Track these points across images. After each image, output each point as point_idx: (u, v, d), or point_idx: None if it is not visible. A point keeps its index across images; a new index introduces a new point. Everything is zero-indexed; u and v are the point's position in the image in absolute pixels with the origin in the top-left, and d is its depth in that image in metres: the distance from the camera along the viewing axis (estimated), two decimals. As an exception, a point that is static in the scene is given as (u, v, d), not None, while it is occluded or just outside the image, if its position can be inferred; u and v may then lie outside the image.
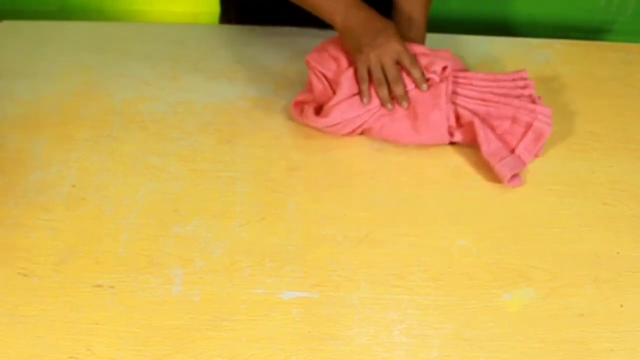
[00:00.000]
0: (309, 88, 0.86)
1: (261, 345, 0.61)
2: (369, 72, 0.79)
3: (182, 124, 0.85)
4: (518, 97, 0.83)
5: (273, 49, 0.99)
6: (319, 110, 0.82)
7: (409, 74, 0.80)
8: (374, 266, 0.68)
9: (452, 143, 0.82)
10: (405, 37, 0.83)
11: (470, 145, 0.81)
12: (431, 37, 0.99)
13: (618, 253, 0.70)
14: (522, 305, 0.65)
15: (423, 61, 0.81)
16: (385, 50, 0.78)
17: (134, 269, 0.67)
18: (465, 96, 0.82)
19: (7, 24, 1.05)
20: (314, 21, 0.99)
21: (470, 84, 0.83)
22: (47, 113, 0.86)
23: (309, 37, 0.99)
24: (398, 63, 0.79)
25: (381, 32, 0.78)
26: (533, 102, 0.82)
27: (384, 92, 0.78)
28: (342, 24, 0.80)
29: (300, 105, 0.85)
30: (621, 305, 0.65)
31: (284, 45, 1.00)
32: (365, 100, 0.79)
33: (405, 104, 0.79)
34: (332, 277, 0.67)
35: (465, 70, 0.87)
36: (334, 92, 0.81)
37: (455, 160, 0.81)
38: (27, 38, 1.01)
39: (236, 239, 0.70)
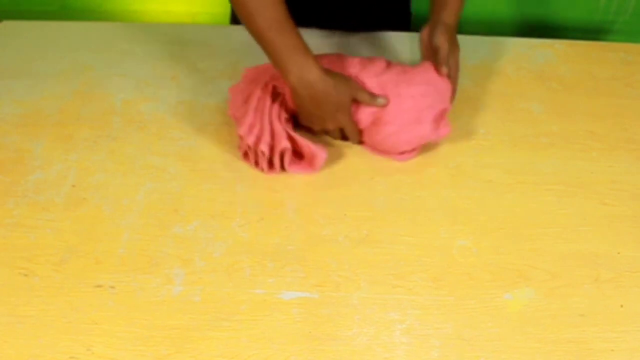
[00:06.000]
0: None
1: (261, 345, 0.61)
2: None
3: (182, 124, 0.85)
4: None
5: (273, 49, 0.98)
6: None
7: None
8: (374, 266, 0.68)
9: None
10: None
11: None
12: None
13: (618, 253, 0.70)
14: (522, 305, 0.65)
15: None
16: (333, 123, 0.79)
17: (134, 269, 0.67)
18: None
19: (7, 24, 1.05)
20: (316, 22, 0.99)
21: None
22: (47, 113, 0.86)
23: (310, 37, 0.99)
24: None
25: (333, 108, 0.77)
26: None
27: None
28: (296, 84, 0.75)
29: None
30: (621, 305, 0.65)
31: (284, 45, 1.00)
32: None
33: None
34: (332, 277, 0.67)
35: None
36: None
37: (455, 160, 0.81)
38: (27, 38, 1.01)
39: (236, 239, 0.70)
